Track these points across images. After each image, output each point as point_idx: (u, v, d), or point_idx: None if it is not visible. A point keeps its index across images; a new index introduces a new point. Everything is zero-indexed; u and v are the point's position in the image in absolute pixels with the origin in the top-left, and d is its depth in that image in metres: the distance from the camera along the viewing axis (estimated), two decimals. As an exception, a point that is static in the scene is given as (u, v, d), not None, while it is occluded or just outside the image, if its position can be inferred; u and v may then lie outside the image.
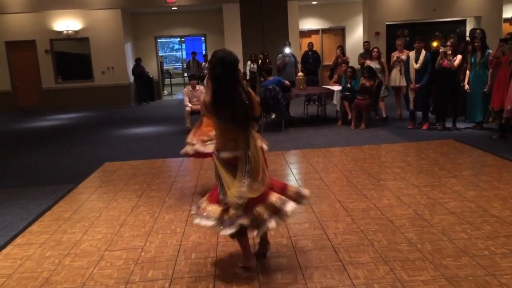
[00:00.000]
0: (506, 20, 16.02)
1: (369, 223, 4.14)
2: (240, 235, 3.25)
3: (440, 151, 6.73)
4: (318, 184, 5.42)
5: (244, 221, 3.13)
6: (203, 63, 14.83)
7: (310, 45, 12.45)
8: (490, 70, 7.69)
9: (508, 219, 4.05)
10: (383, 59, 9.99)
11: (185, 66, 17.46)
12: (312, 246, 3.74)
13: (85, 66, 15.51)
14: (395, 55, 9.31)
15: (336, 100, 9.59)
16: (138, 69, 15.76)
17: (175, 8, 15.79)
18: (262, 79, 10.61)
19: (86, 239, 4.20)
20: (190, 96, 9.53)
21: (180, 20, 16.80)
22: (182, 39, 18.51)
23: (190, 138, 5.12)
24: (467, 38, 10.12)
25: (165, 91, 18.83)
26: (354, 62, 11.23)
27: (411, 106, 8.47)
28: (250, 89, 3.31)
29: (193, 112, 9.26)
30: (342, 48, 11.71)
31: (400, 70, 9.06)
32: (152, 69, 16.83)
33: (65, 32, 15.18)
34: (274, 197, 3.24)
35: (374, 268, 3.29)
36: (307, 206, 4.67)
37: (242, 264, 3.37)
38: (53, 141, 9.71)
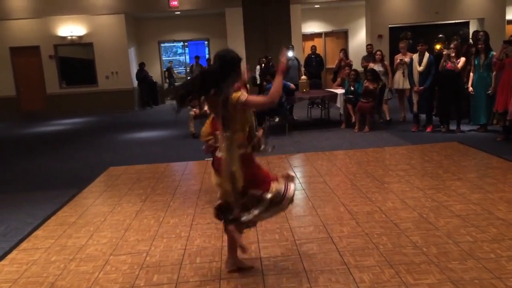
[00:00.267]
0: (510, 22, 15.95)
1: (373, 226, 4.13)
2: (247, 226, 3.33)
3: (444, 153, 6.71)
4: (322, 188, 5.42)
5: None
6: (207, 67, 14.86)
7: (313, 48, 12.47)
8: (494, 72, 7.67)
9: (514, 222, 4.03)
10: (387, 62, 9.98)
11: (188, 70, 17.51)
12: (317, 249, 3.73)
13: (89, 71, 15.57)
14: (398, 57, 9.31)
15: (339, 103, 9.58)
16: (142, 74, 15.80)
17: (178, 12, 15.84)
18: (264, 83, 10.61)
19: (91, 243, 4.21)
20: (193, 100, 9.51)
21: (183, 25, 16.88)
22: (185, 44, 18.56)
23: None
24: (470, 40, 10.10)
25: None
26: (357, 65, 11.23)
27: (415, 108, 8.47)
28: (241, 98, 3.04)
29: (197, 116, 9.26)
30: (345, 51, 11.71)
31: (403, 73, 9.05)
32: (155, 74, 16.89)
33: (69, 37, 15.25)
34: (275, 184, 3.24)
35: (379, 272, 3.28)
36: (311, 209, 4.67)
37: (242, 264, 3.50)
38: (58, 146, 9.74)
